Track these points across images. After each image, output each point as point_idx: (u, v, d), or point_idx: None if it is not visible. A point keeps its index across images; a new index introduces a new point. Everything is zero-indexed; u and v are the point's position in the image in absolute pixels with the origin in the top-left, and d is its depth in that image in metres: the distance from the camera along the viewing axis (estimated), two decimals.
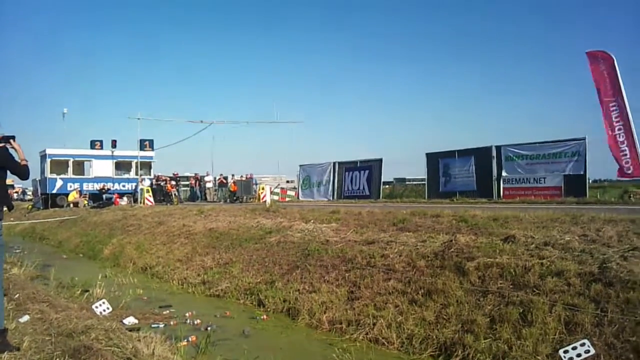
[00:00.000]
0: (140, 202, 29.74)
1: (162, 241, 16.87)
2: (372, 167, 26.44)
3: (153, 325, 8.96)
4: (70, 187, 34.85)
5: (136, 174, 34.85)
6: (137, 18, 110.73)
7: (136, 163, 35.15)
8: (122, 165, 37.44)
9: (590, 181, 21.48)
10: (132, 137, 39.72)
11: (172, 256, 14.95)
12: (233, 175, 34.83)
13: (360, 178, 26.55)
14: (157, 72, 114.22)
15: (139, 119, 33.12)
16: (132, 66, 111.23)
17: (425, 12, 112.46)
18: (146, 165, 37.22)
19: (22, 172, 6.03)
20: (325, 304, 9.07)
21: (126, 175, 37.16)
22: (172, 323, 9.24)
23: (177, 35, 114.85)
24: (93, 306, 9.64)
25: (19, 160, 5.98)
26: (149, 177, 36.16)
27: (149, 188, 31.51)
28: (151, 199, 29.93)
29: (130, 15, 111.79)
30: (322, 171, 28.98)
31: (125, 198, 33.54)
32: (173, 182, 33.93)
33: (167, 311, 10.15)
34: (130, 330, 7.70)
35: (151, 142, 36.67)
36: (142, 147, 35.01)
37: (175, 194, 32.26)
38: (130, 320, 9.14)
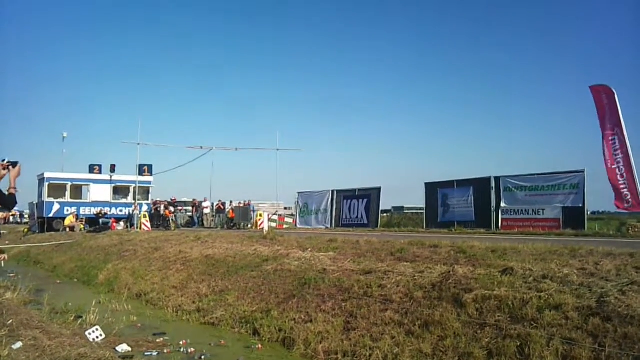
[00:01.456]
0: (137, 228, 29.62)
1: (157, 267, 16.75)
2: (371, 195, 26.46)
3: (146, 354, 8.85)
4: (67, 211, 34.76)
5: (134, 199, 34.83)
6: (136, 43, 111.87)
7: (134, 188, 35.16)
8: (120, 190, 37.42)
9: (589, 213, 21.49)
10: (131, 162, 39.73)
11: (168, 283, 14.82)
12: (231, 201, 34.79)
13: (359, 206, 26.56)
14: (157, 97, 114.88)
15: (138, 144, 33.21)
16: (133, 91, 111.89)
17: (425, 40, 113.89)
18: (144, 191, 37.22)
19: (7, 201, 5.69)
20: (321, 334, 8.96)
21: (124, 200, 37.10)
22: (165, 351, 9.11)
23: (177, 62, 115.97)
24: (86, 333, 9.54)
25: (9, 187, 5.73)
26: (146, 202, 36.12)
27: (146, 213, 31.43)
28: (148, 224, 29.83)
29: (129, 40, 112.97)
30: (321, 199, 28.98)
31: (122, 223, 33.43)
32: (171, 208, 33.88)
33: (161, 339, 10.01)
34: (123, 359, 7.62)
35: (150, 167, 36.73)
36: (140, 172, 35.04)
37: (172, 219, 32.27)
38: (123, 348, 9.02)
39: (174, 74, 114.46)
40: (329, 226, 27.59)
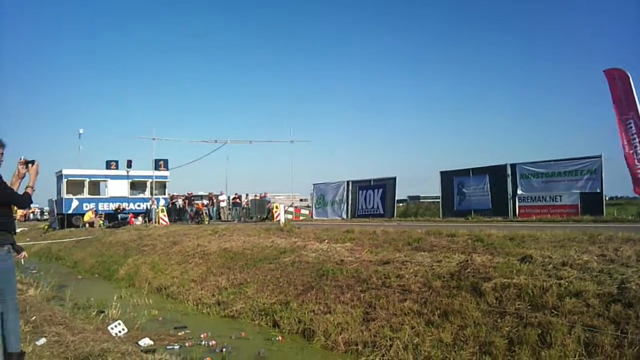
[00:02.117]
0: (155, 222, 29.87)
1: (176, 261, 16.91)
2: (386, 185, 26.39)
3: (168, 347, 8.95)
4: (86, 207, 35.13)
5: (151, 193, 35.09)
6: (151, 40, 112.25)
7: (151, 183, 35.43)
8: (137, 185, 37.72)
9: (607, 198, 21.29)
10: (147, 157, 39.98)
11: (187, 276, 14.96)
12: (247, 194, 34.93)
13: (374, 197, 26.51)
14: (172, 91, 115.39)
15: (153, 139, 33.42)
16: (148, 86, 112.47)
17: (438, 25, 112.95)
18: (161, 185, 37.48)
19: (20, 200, 5.79)
20: (341, 325, 9.00)
21: (141, 195, 37.39)
22: (187, 344, 9.21)
23: (192, 56, 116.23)
24: (109, 327, 9.69)
25: (27, 185, 5.81)
26: (163, 196, 36.39)
27: (164, 208, 31.66)
28: (166, 218, 30.07)
29: (144, 36, 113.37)
30: (336, 190, 28.96)
31: (140, 218, 33.72)
32: (205, 202, 33.97)
33: (183, 332, 10.13)
34: (145, 352, 7.71)
35: (166, 162, 36.94)
36: (156, 167, 35.29)
37: (206, 212, 31.90)
38: (145, 342, 9.15)
39: (187, 70, 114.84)
40: (345, 217, 27.59)
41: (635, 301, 6.57)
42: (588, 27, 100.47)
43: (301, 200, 38.30)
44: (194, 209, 33.34)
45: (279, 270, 12.59)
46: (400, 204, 33.99)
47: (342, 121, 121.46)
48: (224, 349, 8.80)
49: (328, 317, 9.42)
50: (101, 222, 33.76)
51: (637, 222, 15.47)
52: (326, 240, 14.13)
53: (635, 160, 18.29)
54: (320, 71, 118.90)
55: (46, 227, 39.35)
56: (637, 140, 18.32)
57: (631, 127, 18.47)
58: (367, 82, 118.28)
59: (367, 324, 8.73)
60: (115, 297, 12.67)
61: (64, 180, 35.21)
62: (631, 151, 18.41)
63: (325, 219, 28.24)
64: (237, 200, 34.88)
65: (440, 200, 24.78)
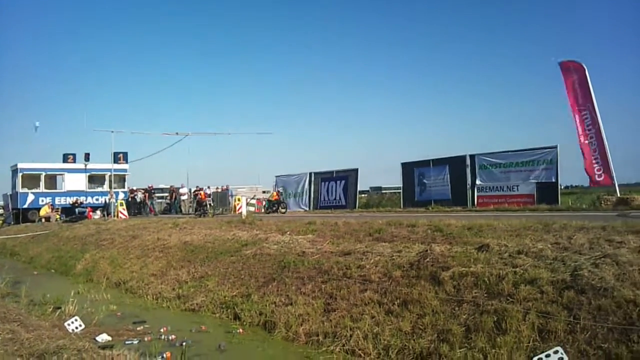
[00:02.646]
0: (114, 216, 29.32)
1: (136, 255, 16.64)
2: (348, 177, 26.52)
3: (127, 342, 8.82)
4: (42, 201, 34.28)
5: (110, 187, 34.40)
6: (108, 31, 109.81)
7: (110, 176, 34.72)
8: (95, 179, 36.95)
9: (563, 188, 21.83)
10: (106, 150, 39.17)
11: (147, 270, 14.74)
12: (209, 186, 34.58)
13: (337, 188, 26.64)
14: (132, 83, 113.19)
15: (112, 131, 32.74)
16: (107, 78, 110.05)
17: (402, 19, 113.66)
18: (120, 178, 36.80)
19: None
20: (302, 316, 9.01)
21: (99, 189, 36.65)
22: (146, 339, 9.08)
23: (153, 47, 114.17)
24: (65, 324, 9.49)
25: None
26: (122, 190, 35.75)
27: (123, 201, 31.08)
28: (125, 212, 29.55)
29: (101, 28, 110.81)
30: (298, 182, 28.98)
31: (98, 212, 33.04)
32: (208, 192, 31.41)
33: (142, 327, 9.99)
34: (103, 348, 7.57)
35: (125, 154, 36.24)
36: (115, 160, 34.59)
37: (210, 204, 29.08)
38: (103, 338, 8.99)
39: (147, 62, 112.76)
40: (307, 208, 27.63)
41: (588, 288, 6.75)
42: (544, 18, 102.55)
43: (264, 192, 38.12)
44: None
45: (240, 262, 12.53)
46: (363, 195, 34.22)
47: (306, 114, 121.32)
48: (183, 343, 8.72)
49: (289, 308, 9.42)
50: (58, 216, 32.97)
51: (591, 211, 15.91)
52: (288, 232, 14.11)
53: (591, 150, 18.81)
54: (284, 63, 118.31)
55: (0, 222, 38.23)
56: (592, 131, 18.83)
57: (587, 118, 18.97)
58: (330, 74, 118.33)
59: (328, 314, 8.76)
60: (72, 293, 12.39)
61: (19, 174, 34.30)
62: (586, 141, 18.93)
63: (288, 210, 28.22)
64: (199, 193, 34.45)
65: (401, 191, 25.02)
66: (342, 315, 8.51)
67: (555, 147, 19.01)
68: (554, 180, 18.77)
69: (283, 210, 25.91)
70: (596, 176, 18.49)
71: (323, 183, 27.63)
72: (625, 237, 8.33)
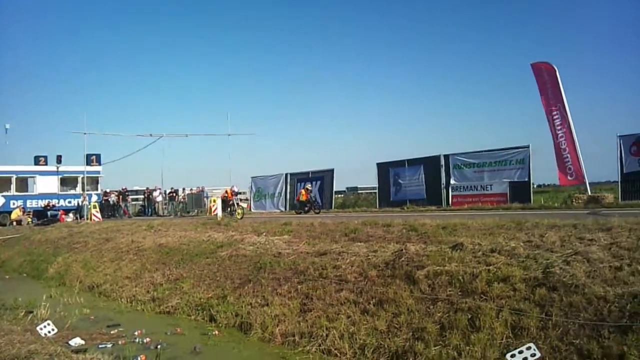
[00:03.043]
0: (87, 219, 28.89)
1: (110, 258, 16.44)
2: (324, 177, 26.53)
3: (100, 346, 8.70)
4: (13, 204, 33.53)
5: (83, 189, 33.88)
6: (80, 31, 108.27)
7: (82, 178, 34.19)
8: (68, 181, 36.31)
9: (535, 186, 22.16)
10: (79, 152, 38.58)
11: (121, 273, 14.57)
12: (184, 188, 34.30)
13: (313, 189, 26.61)
14: (106, 85, 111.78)
15: (85, 133, 32.24)
16: (79, 79, 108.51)
17: (376, 21, 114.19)
18: (93, 181, 36.26)
19: None
20: (278, 317, 9.00)
21: (72, 191, 36.05)
22: (120, 342, 8.98)
23: (125, 48, 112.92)
24: (37, 328, 9.34)
25: None
26: (96, 192, 35.26)
27: (96, 204, 30.64)
28: (98, 215, 29.13)
29: (74, 28, 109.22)
30: (274, 182, 28.90)
31: (71, 214, 32.52)
32: (235, 188, 26.56)
33: (116, 330, 9.87)
34: (76, 352, 7.47)
35: (98, 156, 35.71)
36: (88, 162, 34.05)
37: (237, 203, 24.80)
38: (76, 342, 8.87)
39: (121, 62, 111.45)
40: (283, 209, 27.56)
41: (559, 285, 6.87)
42: (517, 21, 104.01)
43: (240, 193, 37.94)
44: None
45: (216, 264, 12.47)
46: (339, 195, 34.25)
47: (282, 116, 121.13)
48: (158, 346, 8.63)
49: (265, 309, 9.40)
50: (29, 219, 32.34)
51: (562, 209, 16.16)
52: (264, 233, 14.08)
53: (561, 150, 19.13)
54: (259, 65, 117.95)
55: None
56: (562, 130, 19.15)
57: (557, 118, 19.29)
58: (306, 76, 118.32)
59: (304, 314, 8.77)
60: (44, 297, 12.20)
61: None
62: (557, 140, 19.24)
63: (264, 211, 28.13)
64: (174, 194, 34.17)
65: (377, 191, 25.11)
66: (318, 315, 8.52)
67: (528, 146, 19.25)
68: (526, 179, 19.00)
69: (317, 211, 22.99)
70: (568, 175, 18.81)
71: (299, 184, 27.56)
72: (596, 234, 8.50)
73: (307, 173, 27.62)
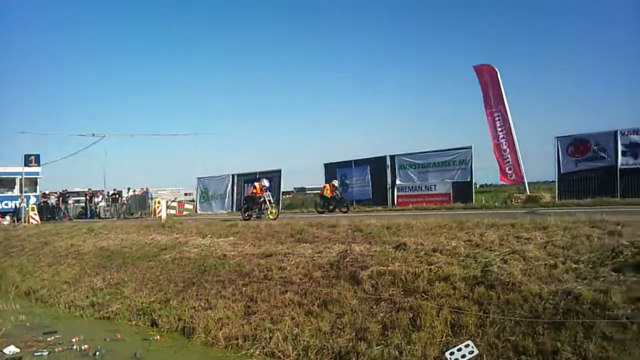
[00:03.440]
0: (25, 221, 27.82)
1: (47, 263, 15.88)
2: (272, 178, 26.37)
3: (36, 354, 8.43)
4: None
5: (20, 191, 32.60)
6: (20, 26, 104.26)
7: (20, 180, 32.89)
8: (4, 183, 34.84)
9: (478, 186, 22.72)
10: (16, 152, 37.11)
11: (59, 278, 14.09)
12: (128, 189, 33.49)
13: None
14: (46, 83, 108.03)
15: (23, 133, 31.05)
16: (18, 77, 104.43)
17: (321, 22, 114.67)
18: (32, 182, 34.90)
19: None
20: (222, 320, 8.89)
21: (9, 193, 34.60)
22: (57, 350, 8.70)
23: (70, 44, 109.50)
24: None
25: None
26: (34, 194, 33.98)
27: (34, 206, 29.54)
28: (37, 217, 28.11)
29: (9, 24, 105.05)
30: (221, 183, 28.58)
31: (7, 217, 31.23)
32: (265, 183, 20.54)
33: (52, 337, 9.53)
34: None
35: (37, 157, 34.32)
36: (27, 162, 32.76)
37: (270, 200, 19.28)
38: (11, 350, 8.57)
39: (62, 57, 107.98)
40: (230, 211, 27.28)
41: (497, 283, 7.04)
42: (461, 23, 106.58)
43: (186, 194, 37.42)
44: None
45: (158, 267, 12.22)
46: (287, 196, 34.18)
47: (230, 114, 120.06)
48: (97, 353, 8.41)
49: (209, 312, 9.27)
50: None
51: (502, 209, 16.61)
52: (209, 235, 13.89)
53: (502, 150, 19.69)
54: (204, 62, 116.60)
55: None
56: (503, 131, 19.71)
57: (499, 120, 19.84)
58: (248, 74, 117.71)
59: (248, 317, 8.69)
60: None
61: None
62: (498, 142, 19.80)
63: (210, 213, 27.78)
64: (116, 196, 33.32)
65: None
66: (262, 317, 8.46)
67: (470, 147, 19.71)
68: (468, 179, 19.46)
69: (344, 210, 20.15)
70: (508, 175, 19.40)
71: (246, 184, 27.31)
72: (532, 233, 8.75)
73: (254, 174, 27.40)
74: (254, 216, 18.94)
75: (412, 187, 20.99)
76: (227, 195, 28.02)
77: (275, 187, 25.98)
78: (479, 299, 6.90)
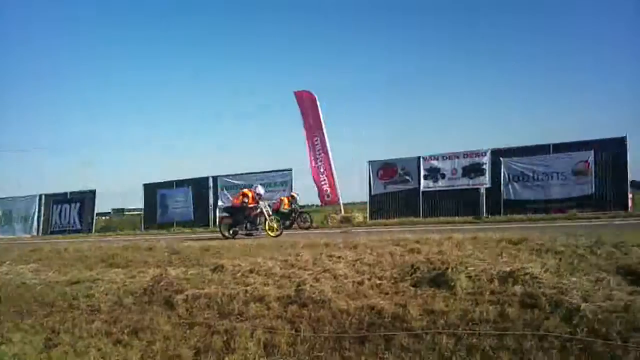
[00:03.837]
0: None
1: None
2: (85, 199, 24.87)
3: None
4: None
5: None
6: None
7: None
8: None
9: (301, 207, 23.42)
10: None
11: None
12: None
13: (70, 211, 24.76)
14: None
15: None
16: None
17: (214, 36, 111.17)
18: None
19: None
20: (18, 355, 8.01)
21: None
22: None
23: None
24: None
25: None
26: None
27: None
28: None
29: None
30: (26, 204, 26.20)
31: None
32: (258, 191, 16.69)
33: None
34: None
35: None
36: None
37: (269, 212, 16.31)
38: None
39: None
40: (35, 234, 25.03)
41: (309, 301, 7.27)
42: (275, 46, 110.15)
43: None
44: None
45: None
46: (103, 217, 32.35)
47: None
48: None
49: (3, 348, 8.32)
50: None
51: (320, 228, 17.32)
52: (7, 262, 12.56)
53: (319, 173, 20.60)
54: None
55: None
56: (321, 155, 20.65)
57: (317, 144, 20.76)
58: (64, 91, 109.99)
59: (49, 351, 7.96)
60: None
61: None
62: (316, 165, 20.69)
63: (13, 236, 25.23)
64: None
65: (142, 213, 24.31)
66: (64, 350, 7.78)
67: (291, 169, 20.39)
68: None
69: (306, 225, 18.09)
70: (325, 196, 20.34)
71: (55, 206, 25.41)
72: (344, 252, 9.24)
73: (65, 194, 25.51)
74: (242, 233, 15.64)
75: None
76: (34, 217, 25.69)
77: (88, 208, 24.48)
78: (292, 317, 7.05)
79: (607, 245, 8.06)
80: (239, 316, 7.41)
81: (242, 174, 21.40)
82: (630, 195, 17.66)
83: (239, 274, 8.71)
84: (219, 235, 15.71)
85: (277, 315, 7.20)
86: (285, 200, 18.82)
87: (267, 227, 15.11)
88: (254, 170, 21.39)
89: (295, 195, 19.12)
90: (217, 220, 17.40)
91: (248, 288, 8.02)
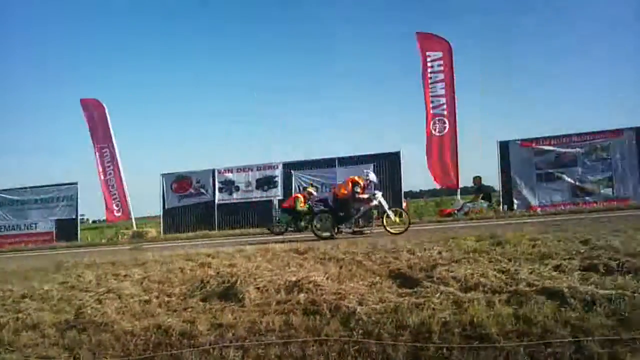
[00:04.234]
0: None
1: None
2: None
3: None
4: None
5: None
6: None
7: None
8: None
9: (91, 222, 22.08)
10: None
11: None
12: None
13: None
14: None
15: None
16: None
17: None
18: None
19: None
20: None
21: None
22: None
23: None
24: None
25: None
26: None
27: None
28: None
29: None
30: None
31: None
32: (373, 178, 13.49)
33: None
34: None
35: None
36: None
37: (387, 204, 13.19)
38: None
39: None
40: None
41: (90, 324, 6.87)
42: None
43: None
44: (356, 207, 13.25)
45: None
46: None
47: None
48: None
49: None
50: None
51: (109, 245, 16.44)
52: None
53: (109, 187, 19.56)
54: None
55: None
56: (111, 168, 19.63)
57: (107, 156, 19.68)
58: None
59: None
60: None
61: None
62: (105, 178, 19.61)
63: None
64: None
65: None
66: None
67: (76, 183, 19.17)
68: (74, 216, 18.84)
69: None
70: (115, 211, 19.36)
71: None
72: (131, 270, 8.90)
73: None
74: (347, 230, 12.66)
75: (11, 226, 19.11)
76: None
77: None
78: (70, 343, 6.61)
79: (382, 251, 8.69)
80: (9, 346, 6.73)
81: (19, 188, 19.44)
82: (404, 204, 19.52)
83: (9, 300, 7.94)
84: None
85: (53, 343, 6.69)
86: (301, 198, 15.77)
87: (385, 222, 12.42)
88: (34, 184, 19.56)
89: (312, 191, 16.38)
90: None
91: (20, 315, 7.34)
